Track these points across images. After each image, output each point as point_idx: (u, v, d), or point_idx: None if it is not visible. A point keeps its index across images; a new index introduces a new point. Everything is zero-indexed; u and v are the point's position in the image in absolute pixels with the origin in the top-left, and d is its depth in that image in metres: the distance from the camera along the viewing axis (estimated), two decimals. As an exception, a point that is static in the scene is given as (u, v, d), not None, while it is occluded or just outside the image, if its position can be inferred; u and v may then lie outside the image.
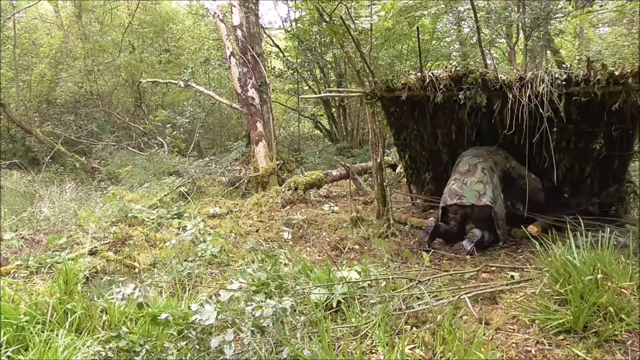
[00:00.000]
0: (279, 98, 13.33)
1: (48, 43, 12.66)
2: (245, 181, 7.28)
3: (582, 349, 2.09)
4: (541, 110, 3.48)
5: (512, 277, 3.03)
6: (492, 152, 4.16)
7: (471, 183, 3.92)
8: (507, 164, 4.14)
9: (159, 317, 2.15)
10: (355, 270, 2.94)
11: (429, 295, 2.59)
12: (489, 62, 7.55)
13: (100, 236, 4.23)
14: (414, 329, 2.39)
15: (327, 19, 4.65)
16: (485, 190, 3.85)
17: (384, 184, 4.66)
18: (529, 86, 3.51)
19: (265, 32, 11.35)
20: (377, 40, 7.87)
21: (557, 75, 3.45)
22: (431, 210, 5.13)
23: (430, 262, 3.50)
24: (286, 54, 12.14)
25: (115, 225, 4.57)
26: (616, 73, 3.26)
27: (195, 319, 2.03)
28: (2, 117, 10.45)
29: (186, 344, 2.09)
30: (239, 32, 7.45)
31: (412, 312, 2.48)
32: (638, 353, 2.04)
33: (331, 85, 11.19)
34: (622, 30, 11.06)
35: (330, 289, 2.66)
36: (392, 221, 4.53)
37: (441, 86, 3.85)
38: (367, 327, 2.31)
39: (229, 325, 2.17)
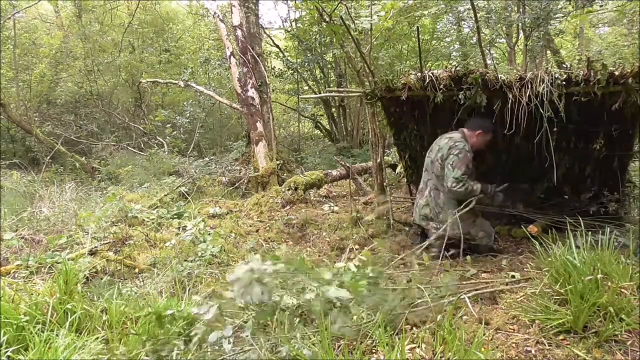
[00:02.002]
0: (279, 98, 13.34)
1: (48, 43, 12.66)
2: (245, 181, 7.28)
3: (582, 349, 2.09)
4: (541, 110, 3.47)
5: (512, 276, 3.03)
6: (433, 161, 3.75)
7: (419, 206, 3.90)
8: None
9: (163, 314, 2.16)
10: (354, 264, 2.93)
11: (429, 295, 2.59)
12: (489, 62, 7.55)
13: (100, 236, 4.22)
14: (414, 329, 2.39)
15: (327, 19, 4.66)
16: (430, 214, 3.78)
17: (384, 184, 4.66)
18: (529, 86, 3.51)
19: (265, 32, 11.35)
20: (377, 40, 7.88)
21: (557, 75, 3.45)
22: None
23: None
24: (286, 54, 12.15)
25: (115, 225, 4.57)
26: (616, 73, 3.26)
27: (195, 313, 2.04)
28: (2, 117, 10.45)
29: (187, 344, 2.09)
30: (239, 32, 7.45)
31: (412, 312, 2.48)
32: (638, 353, 2.04)
33: (331, 85, 11.19)
34: (622, 30, 11.07)
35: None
36: (392, 221, 4.53)
37: (441, 86, 3.84)
38: (367, 326, 2.31)
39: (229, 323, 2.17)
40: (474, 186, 3.52)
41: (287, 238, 4.70)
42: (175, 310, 2.17)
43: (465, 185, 3.47)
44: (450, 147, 3.62)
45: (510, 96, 3.59)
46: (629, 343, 2.10)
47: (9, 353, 2.15)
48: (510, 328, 2.37)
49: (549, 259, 2.64)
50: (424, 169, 3.98)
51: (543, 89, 3.43)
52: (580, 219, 3.13)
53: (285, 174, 7.63)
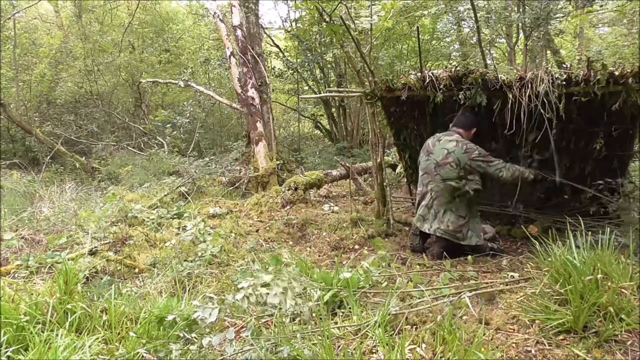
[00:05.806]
0: (279, 98, 13.34)
1: (48, 43, 12.67)
2: (245, 181, 7.28)
3: (582, 349, 2.08)
4: (541, 110, 3.47)
5: (512, 276, 3.03)
6: (440, 164, 3.71)
7: (419, 207, 3.88)
8: (468, 163, 3.61)
9: (164, 317, 2.16)
10: (357, 270, 2.94)
11: (429, 295, 2.59)
12: (489, 62, 7.54)
13: (100, 236, 4.22)
14: (414, 329, 2.39)
15: (327, 19, 4.65)
16: (428, 214, 3.77)
17: (384, 184, 4.66)
18: (529, 86, 3.51)
19: (265, 32, 11.35)
20: (377, 40, 7.88)
21: (557, 75, 3.45)
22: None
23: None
24: (286, 54, 12.14)
25: (115, 225, 4.57)
26: (616, 73, 3.26)
27: (197, 317, 2.04)
28: (2, 117, 10.45)
29: (187, 344, 2.09)
30: (239, 32, 7.45)
31: (412, 312, 2.48)
32: (638, 353, 2.04)
33: (331, 85, 11.19)
34: (622, 30, 11.06)
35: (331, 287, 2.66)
36: (392, 221, 4.53)
37: (441, 86, 3.84)
38: (367, 326, 2.31)
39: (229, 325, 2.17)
40: (519, 168, 3.67)
41: (287, 238, 4.70)
42: (177, 316, 2.17)
43: (506, 167, 3.61)
44: (465, 150, 3.63)
45: (510, 96, 3.59)
46: (629, 343, 2.10)
47: (9, 353, 2.15)
48: (510, 328, 2.37)
49: (549, 259, 2.63)
50: (422, 172, 3.92)
51: (543, 89, 3.43)
52: (580, 219, 3.13)
53: (285, 174, 7.63)
